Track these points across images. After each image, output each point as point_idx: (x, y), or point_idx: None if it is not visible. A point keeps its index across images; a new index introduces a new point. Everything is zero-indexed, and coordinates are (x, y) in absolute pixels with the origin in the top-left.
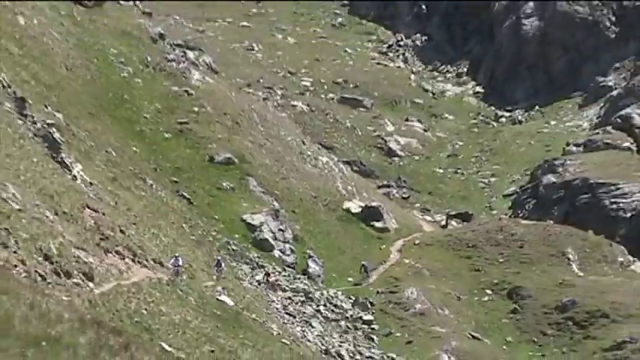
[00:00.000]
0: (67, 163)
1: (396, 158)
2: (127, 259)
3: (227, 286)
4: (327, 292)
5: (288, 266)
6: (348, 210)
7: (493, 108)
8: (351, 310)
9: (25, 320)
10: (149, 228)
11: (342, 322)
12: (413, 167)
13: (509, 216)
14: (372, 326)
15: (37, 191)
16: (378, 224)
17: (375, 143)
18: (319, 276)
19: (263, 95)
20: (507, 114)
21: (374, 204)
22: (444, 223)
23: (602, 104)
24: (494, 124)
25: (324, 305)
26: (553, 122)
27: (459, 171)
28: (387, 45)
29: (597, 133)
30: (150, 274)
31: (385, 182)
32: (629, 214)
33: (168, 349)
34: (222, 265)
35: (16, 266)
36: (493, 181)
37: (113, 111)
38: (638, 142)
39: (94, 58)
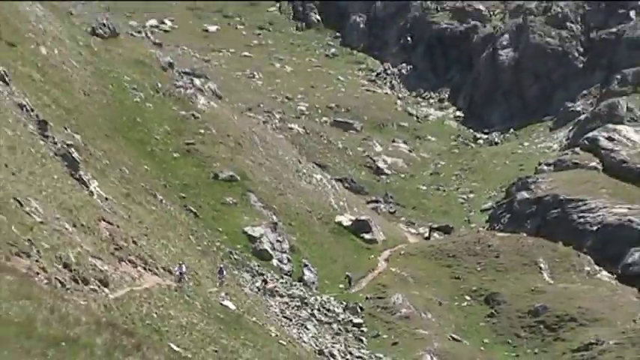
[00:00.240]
0: (85, 180)
1: (384, 176)
2: (139, 268)
3: (230, 292)
4: (321, 297)
5: (286, 274)
6: (339, 223)
7: (472, 130)
8: (342, 314)
9: (46, 323)
10: (159, 239)
11: (335, 325)
12: (399, 184)
13: (486, 229)
14: (362, 329)
15: (58, 205)
16: (367, 236)
17: (364, 162)
18: (313, 283)
19: (263, 119)
20: (485, 136)
21: (363, 218)
22: (427, 235)
23: (570, 127)
24: (473, 145)
25: (318, 309)
26: (526, 143)
27: (440, 188)
28: (375, 73)
29: (566, 154)
30: (160, 281)
31: (374, 198)
32: (595, 228)
33: (177, 349)
34: (225, 272)
35: (38, 273)
36: (471, 197)
37: (126, 133)
38: (603, 162)
39: (110, 84)
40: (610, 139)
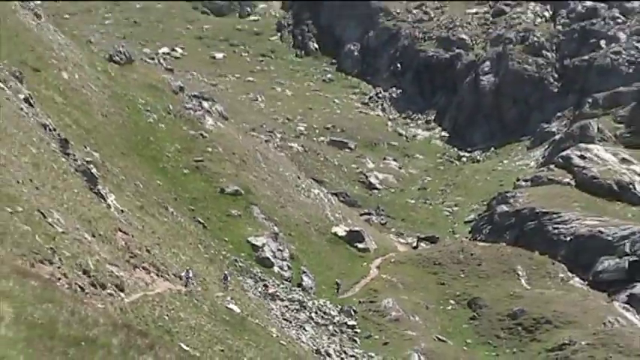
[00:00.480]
0: (103, 194)
1: (375, 191)
2: (151, 274)
3: (234, 296)
4: (318, 301)
5: (286, 280)
6: (335, 233)
7: (456, 149)
8: (337, 316)
9: (67, 324)
10: (170, 248)
11: (330, 327)
12: (389, 198)
13: (469, 239)
14: (355, 330)
15: (78, 217)
16: (360, 245)
17: (357, 178)
18: (311, 288)
19: (265, 138)
20: (468, 154)
21: (357, 228)
22: (415, 244)
23: (546, 147)
24: (457, 162)
25: (316, 312)
26: (505, 161)
27: (427, 201)
28: (368, 97)
29: (542, 171)
30: (171, 286)
31: (366, 210)
32: (568, 238)
33: (186, 348)
34: (229, 278)
35: (59, 279)
36: (456, 210)
37: (141, 150)
38: (576, 178)
39: (125, 106)
40: (582, 157)
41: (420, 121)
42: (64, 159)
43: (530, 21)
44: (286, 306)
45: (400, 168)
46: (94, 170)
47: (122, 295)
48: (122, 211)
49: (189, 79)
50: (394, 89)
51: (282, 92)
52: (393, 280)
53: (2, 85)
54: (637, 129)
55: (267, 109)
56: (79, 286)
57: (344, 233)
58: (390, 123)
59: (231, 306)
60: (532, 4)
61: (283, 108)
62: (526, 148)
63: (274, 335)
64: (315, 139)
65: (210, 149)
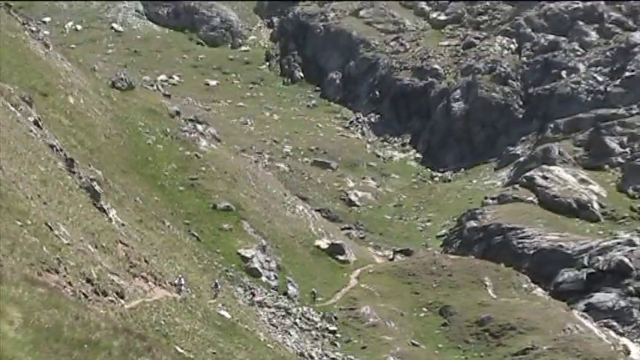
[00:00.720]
0: (105, 208)
1: (355, 207)
2: (150, 282)
3: (225, 303)
4: (302, 308)
5: (273, 289)
6: (318, 246)
7: (429, 170)
8: (320, 322)
9: (72, 328)
10: (167, 258)
11: (313, 332)
12: (368, 214)
13: (441, 252)
14: (336, 335)
15: (82, 230)
16: (341, 257)
17: (339, 196)
18: (296, 296)
19: (254, 158)
20: (440, 174)
21: (338, 242)
22: (391, 257)
23: (512, 168)
24: (430, 182)
25: (300, 319)
26: (475, 181)
27: (402, 217)
28: (349, 121)
29: (508, 190)
30: (167, 294)
31: (347, 225)
32: (531, 252)
33: (181, 351)
34: (219, 286)
35: (65, 287)
36: (429, 225)
37: (140, 169)
38: (539, 196)
39: (126, 129)
40: (544, 177)
41: (396, 144)
42: (69, 176)
43: (498, 53)
44: (273, 312)
45: (378, 187)
46: (97, 187)
47: (122, 301)
48: (123, 224)
49: (185, 104)
50: (373, 114)
51: (270, 117)
52: (370, 290)
53: (13, 109)
54: (595, 152)
55: (257, 132)
56: (83, 293)
57: (326, 246)
58: (369, 145)
59: (222, 312)
60: (499, 37)
61: (271, 131)
62: (493, 169)
63: (262, 339)
64: (300, 159)
65: (204, 168)
